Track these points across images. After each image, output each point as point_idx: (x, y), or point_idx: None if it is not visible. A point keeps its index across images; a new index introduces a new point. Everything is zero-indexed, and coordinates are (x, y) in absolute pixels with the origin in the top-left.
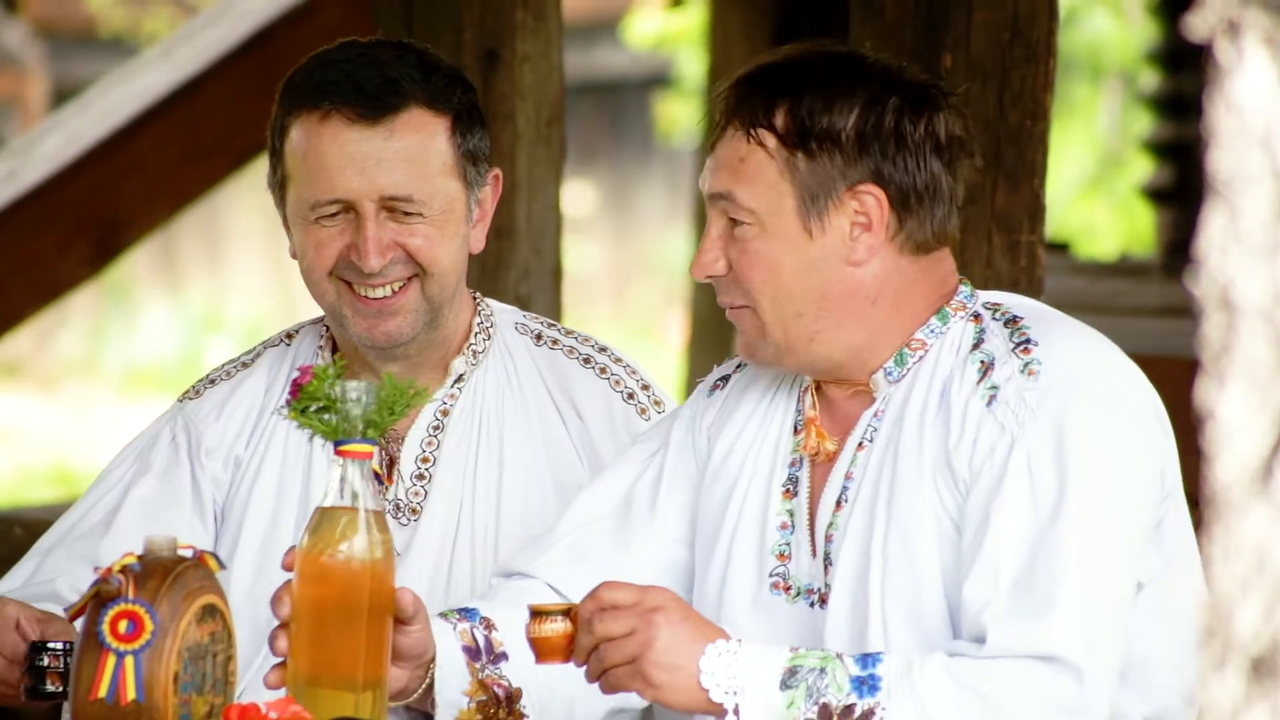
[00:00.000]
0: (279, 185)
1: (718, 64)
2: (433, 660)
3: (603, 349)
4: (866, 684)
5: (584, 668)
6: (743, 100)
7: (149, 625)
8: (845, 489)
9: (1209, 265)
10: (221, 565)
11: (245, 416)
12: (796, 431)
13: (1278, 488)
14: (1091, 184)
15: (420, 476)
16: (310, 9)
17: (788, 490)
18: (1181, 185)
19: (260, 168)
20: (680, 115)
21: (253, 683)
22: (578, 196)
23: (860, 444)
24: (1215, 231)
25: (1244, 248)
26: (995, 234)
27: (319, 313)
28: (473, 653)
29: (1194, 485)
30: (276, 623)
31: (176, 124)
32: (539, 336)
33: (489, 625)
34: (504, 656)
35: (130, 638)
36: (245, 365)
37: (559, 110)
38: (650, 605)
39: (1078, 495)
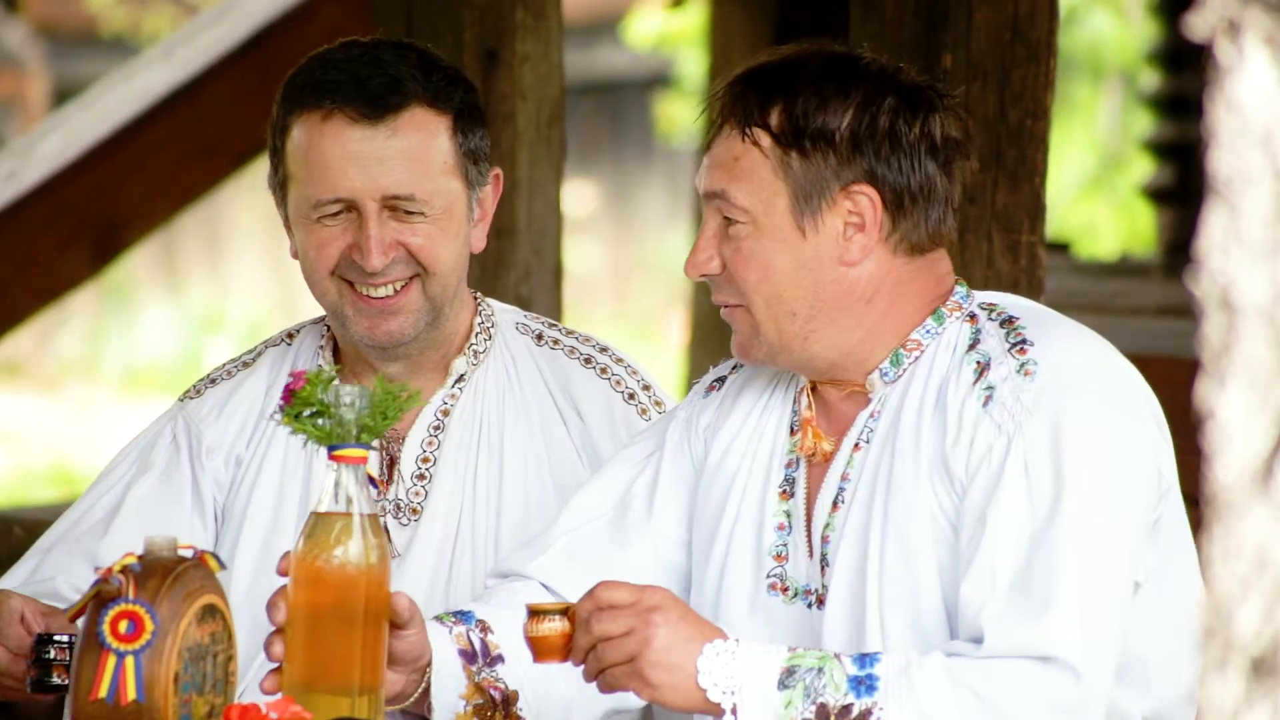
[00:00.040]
0: (280, 185)
1: (718, 64)
2: (429, 664)
3: (603, 349)
4: (864, 684)
5: (582, 667)
6: (738, 99)
7: (149, 625)
8: (842, 490)
9: (1209, 265)
10: (222, 565)
11: (246, 416)
12: (793, 432)
13: (1278, 488)
14: (1092, 184)
15: (421, 476)
16: (311, 9)
17: (784, 491)
18: (1182, 185)
19: (261, 168)
20: (681, 115)
21: (253, 683)
22: (578, 196)
23: (856, 445)
24: (1216, 231)
25: (1244, 248)
26: (995, 234)
27: (320, 312)
28: (469, 656)
29: (1194, 485)
30: (272, 627)
31: (177, 124)
32: (540, 336)
33: (485, 628)
34: (500, 659)
35: (130, 638)
36: (246, 365)
37: (559, 110)
38: (648, 605)
39: (1074, 495)
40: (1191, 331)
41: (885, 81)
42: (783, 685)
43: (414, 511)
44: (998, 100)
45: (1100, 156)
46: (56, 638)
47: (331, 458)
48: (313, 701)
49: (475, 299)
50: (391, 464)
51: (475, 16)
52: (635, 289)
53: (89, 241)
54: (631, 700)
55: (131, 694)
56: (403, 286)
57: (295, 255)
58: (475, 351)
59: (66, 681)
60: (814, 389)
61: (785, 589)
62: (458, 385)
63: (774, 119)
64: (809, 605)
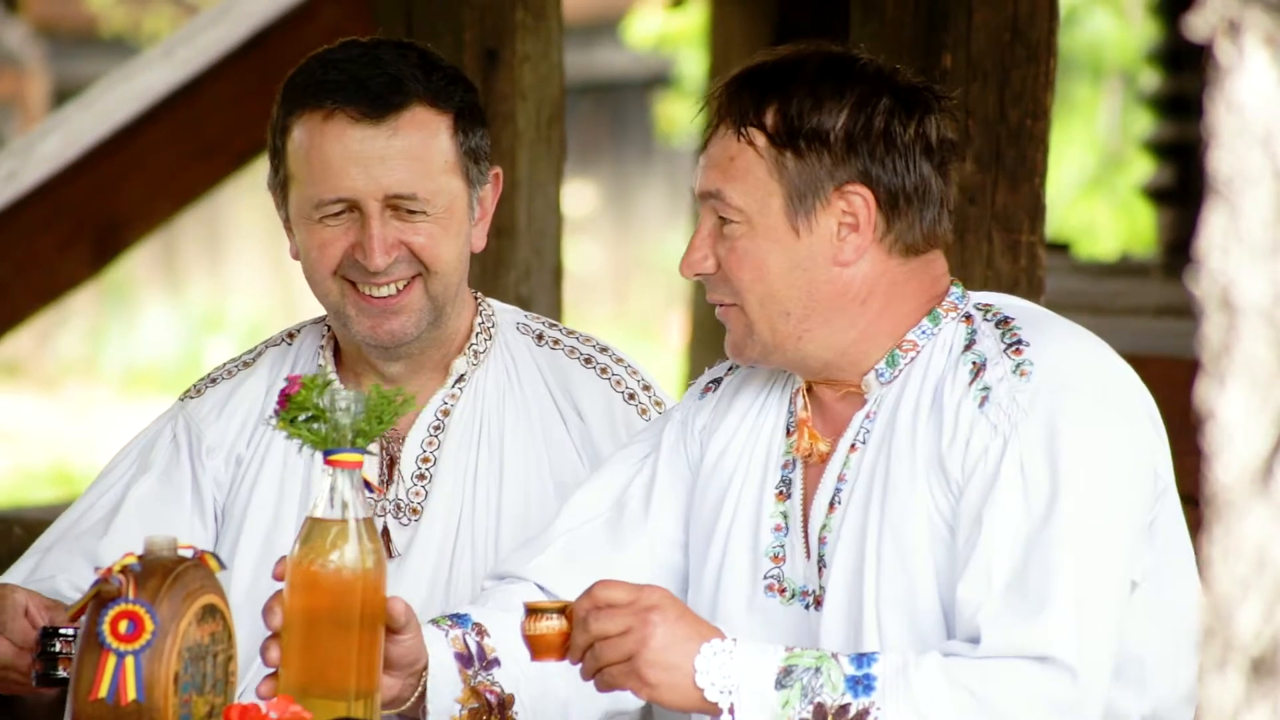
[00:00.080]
0: (281, 185)
1: (718, 64)
2: (425, 668)
3: (604, 349)
4: (861, 683)
5: (579, 666)
6: (734, 99)
7: (149, 625)
8: (838, 490)
9: (1209, 265)
10: (222, 565)
11: (246, 416)
12: (789, 433)
13: (1278, 488)
14: (1092, 184)
15: (421, 476)
16: (311, 9)
17: (781, 492)
18: (1182, 185)
19: (261, 168)
20: (681, 115)
21: (253, 682)
22: (578, 196)
23: (853, 445)
24: (1216, 231)
25: (1244, 248)
26: (995, 234)
27: (320, 312)
28: (465, 660)
29: (1194, 485)
30: (268, 632)
31: (177, 124)
32: (540, 336)
33: (481, 631)
34: (496, 663)
35: (131, 638)
36: (246, 364)
37: (559, 110)
38: (646, 604)
39: (1070, 495)
40: (1191, 331)
41: (881, 82)
42: (780, 685)
43: (414, 511)
44: (998, 100)
45: (1100, 156)
46: (62, 631)
47: (327, 462)
48: (309, 706)
49: (476, 299)
50: (392, 464)
51: (475, 16)
52: (635, 289)
53: (89, 241)
54: (629, 702)
55: (131, 694)
56: (405, 286)
57: (296, 256)
58: (475, 351)
59: None
60: (810, 390)
61: (783, 590)
62: (458, 385)
63: (769, 119)
64: (806, 606)
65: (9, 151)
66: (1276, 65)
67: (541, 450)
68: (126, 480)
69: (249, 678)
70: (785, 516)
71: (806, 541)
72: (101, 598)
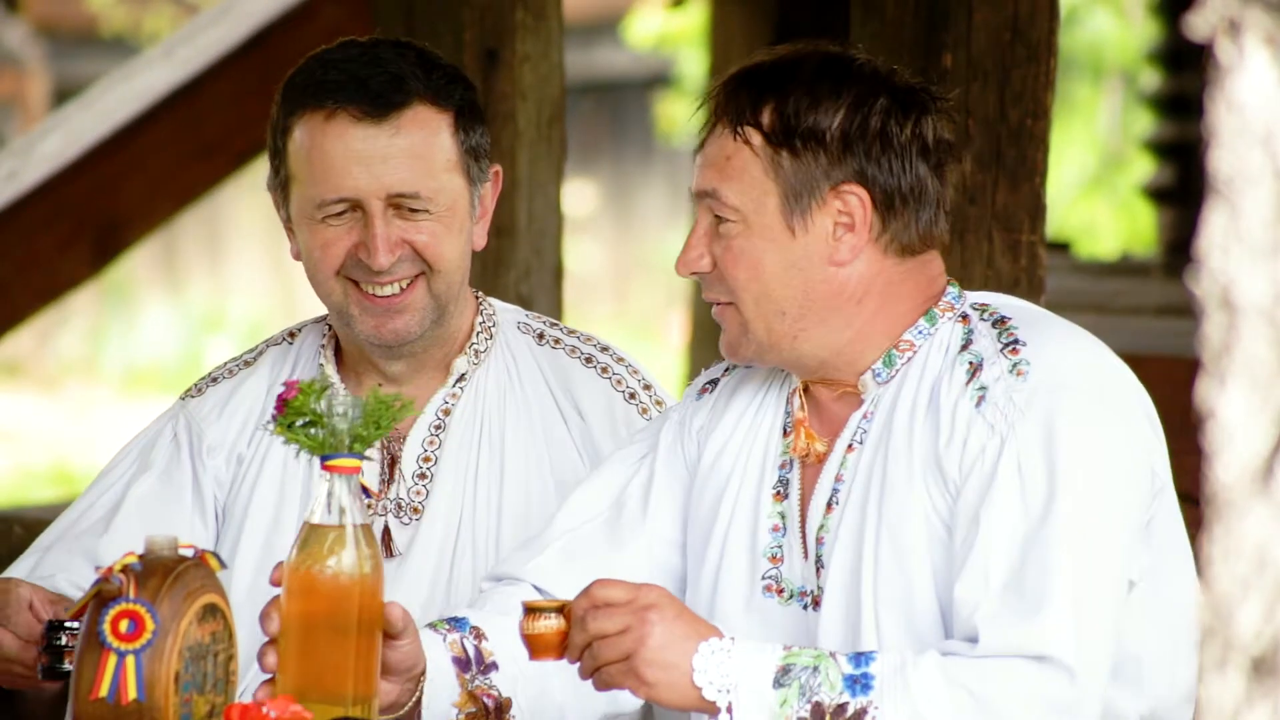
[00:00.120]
0: (282, 186)
1: (718, 64)
2: (423, 673)
3: (604, 348)
4: (859, 682)
5: (577, 665)
6: (731, 98)
7: (150, 625)
8: (836, 491)
9: (1210, 265)
10: (222, 564)
11: (247, 415)
12: (786, 434)
13: (1278, 487)
14: (1092, 183)
15: (422, 476)
16: (311, 9)
17: (778, 493)
18: (1182, 185)
19: (261, 168)
20: (681, 115)
21: (254, 682)
22: (578, 196)
23: (850, 446)
24: (1216, 231)
25: (1245, 247)
26: (996, 233)
27: (321, 311)
28: (463, 664)
29: (1195, 485)
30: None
31: (177, 124)
32: (541, 336)
33: (479, 635)
34: (494, 666)
35: (131, 637)
36: (247, 364)
37: (560, 110)
38: (644, 603)
39: (1068, 495)
40: (1192, 331)
41: (878, 82)
42: (778, 684)
43: (415, 511)
44: (998, 100)
45: (1101, 156)
46: (67, 625)
47: (325, 468)
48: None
49: (477, 298)
50: (393, 463)
51: (475, 16)
52: (635, 289)
53: (89, 241)
54: (627, 704)
55: (132, 693)
56: (408, 285)
57: (297, 257)
58: (476, 351)
59: None
60: (806, 390)
61: (781, 590)
62: (459, 385)
63: (765, 118)
64: (804, 607)
65: (9, 151)
66: (1277, 65)
67: (542, 449)
68: (127, 479)
69: (250, 677)
70: (783, 517)
71: (804, 542)
72: (102, 597)
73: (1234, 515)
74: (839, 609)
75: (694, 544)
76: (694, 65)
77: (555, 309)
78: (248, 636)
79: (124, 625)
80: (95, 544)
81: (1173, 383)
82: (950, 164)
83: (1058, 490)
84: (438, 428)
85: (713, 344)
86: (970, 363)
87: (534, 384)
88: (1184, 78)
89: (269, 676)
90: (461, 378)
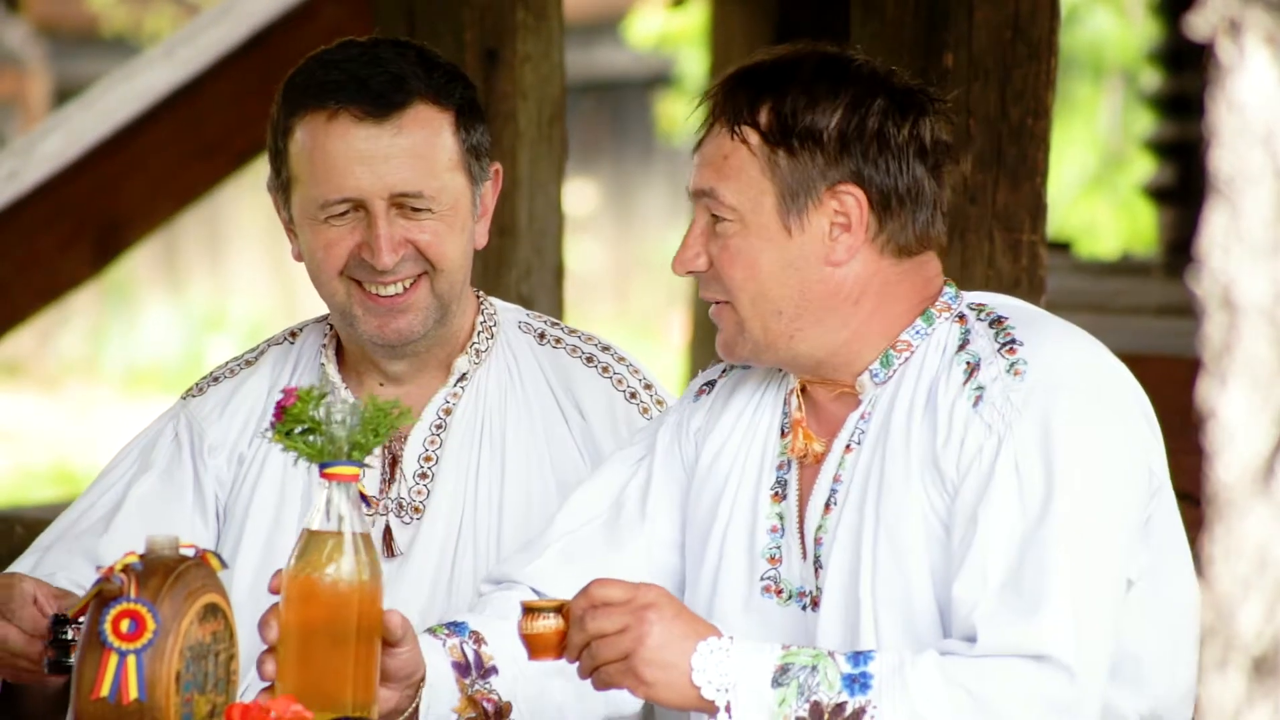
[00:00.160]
0: (283, 187)
1: (719, 63)
2: (423, 680)
3: (605, 348)
4: (858, 682)
5: (576, 664)
6: (729, 98)
7: (151, 624)
8: (834, 491)
9: (1211, 264)
10: (223, 564)
11: (249, 414)
12: (783, 434)
13: (1279, 487)
14: (1093, 183)
15: (423, 475)
16: (312, 9)
17: (776, 493)
18: (1183, 184)
19: (262, 167)
20: (682, 115)
21: (255, 681)
22: (579, 196)
23: (848, 446)
24: (1217, 231)
25: (1245, 247)
26: (997, 233)
27: (322, 311)
28: (462, 669)
29: (1195, 485)
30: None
31: (178, 123)
32: (542, 335)
33: (478, 639)
34: (494, 671)
35: (132, 637)
36: (249, 363)
37: (560, 109)
38: (642, 602)
39: (1065, 494)
40: (1193, 331)
41: (876, 83)
42: (776, 683)
43: (416, 510)
44: (999, 99)
45: (1101, 156)
46: (74, 619)
47: (323, 475)
48: None
49: (478, 297)
50: (394, 463)
51: (476, 16)
52: (636, 288)
53: (90, 241)
54: (626, 706)
55: (133, 693)
56: (411, 284)
57: (298, 258)
58: (477, 350)
59: None
60: (804, 391)
61: (779, 591)
62: (460, 384)
63: (763, 117)
64: (804, 607)
65: (10, 151)
66: (1277, 64)
67: (543, 449)
68: (128, 479)
69: (251, 676)
70: (781, 518)
71: (803, 542)
72: (103, 597)
73: (1235, 515)
74: (838, 609)
75: (692, 545)
76: (695, 65)
77: (556, 308)
78: (249, 636)
79: (125, 625)
80: (96, 543)
81: (1173, 382)
82: (947, 165)
83: (1055, 489)
84: (439, 427)
85: (713, 344)
86: (967, 363)
87: (535, 383)
88: (1185, 77)
89: (268, 684)
90: (463, 377)
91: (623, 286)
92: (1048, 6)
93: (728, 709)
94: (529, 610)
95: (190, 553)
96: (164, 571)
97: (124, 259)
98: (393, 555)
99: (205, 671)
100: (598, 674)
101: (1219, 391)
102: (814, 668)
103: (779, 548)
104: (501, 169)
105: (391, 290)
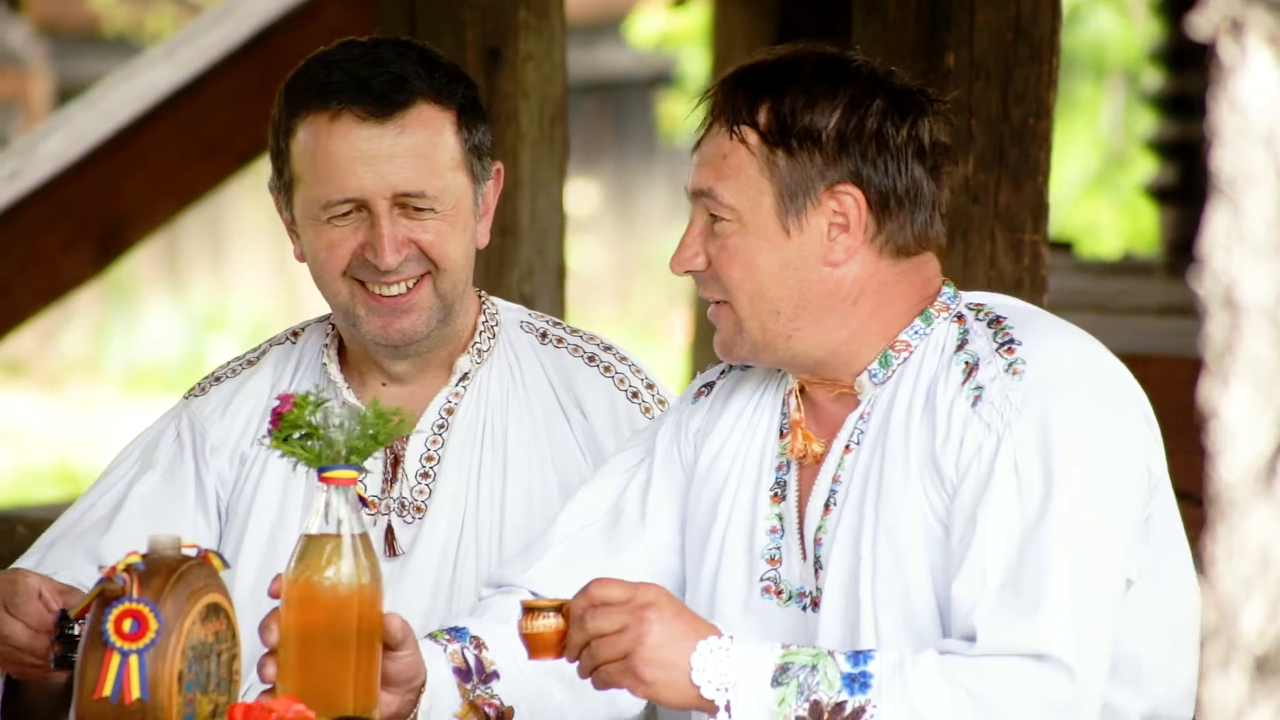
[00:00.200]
0: (285, 187)
1: (720, 63)
2: (423, 685)
3: (607, 347)
4: (858, 681)
5: (576, 664)
6: (728, 98)
7: (153, 624)
8: (834, 492)
9: (1213, 264)
10: (225, 564)
11: (251, 414)
12: (782, 435)
13: None
14: (1095, 183)
15: (425, 475)
16: (313, 9)
17: (775, 494)
18: (1185, 184)
19: (263, 167)
20: (683, 114)
21: (257, 681)
22: (581, 195)
23: (847, 446)
24: (1219, 231)
25: (1248, 247)
26: (999, 233)
27: (323, 310)
28: (463, 674)
29: (1198, 485)
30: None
31: (180, 123)
32: (544, 335)
33: (479, 644)
34: (495, 675)
35: (135, 637)
36: (251, 363)
37: (562, 109)
38: (642, 602)
39: (1064, 493)
40: (1194, 331)
41: (875, 84)
42: (776, 682)
43: (418, 509)
44: (1000, 99)
45: (1103, 156)
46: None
47: (321, 479)
48: None
49: (480, 297)
50: (396, 462)
51: (477, 16)
52: (638, 288)
53: (92, 240)
54: (627, 708)
55: (136, 693)
56: (414, 284)
57: (300, 258)
58: (479, 350)
59: None
60: (803, 391)
61: (779, 592)
62: (462, 384)
63: (762, 117)
64: (804, 608)
65: (12, 150)
66: (1279, 64)
67: (545, 448)
68: (130, 478)
69: (253, 676)
70: (780, 519)
71: (803, 543)
72: (105, 596)
73: (1237, 515)
74: (838, 610)
75: (692, 547)
76: (696, 65)
77: (558, 308)
78: (251, 636)
79: (127, 625)
80: (98, 542)
81: (1175, 382)
82: (946, 166)
83: (1054, 489)
84: (441, 427)
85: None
86: (966, 362)
87: (537, 383)
88: (1186, 77)
89: (269, 688)
90: (464, 377)
91: (624, 286)
92: (1049, 7)
93: (727, 708)
94: (529, 610)
95: (192, 552)
96: (166, 571)
97: (126, 259)
98: (395, 555)
99: (207, 671)
100: (597, 673)
101: (1221, 391)
102: (814, 667)
103: (778, 548)
104: (503, 169)
105: (394, 290)
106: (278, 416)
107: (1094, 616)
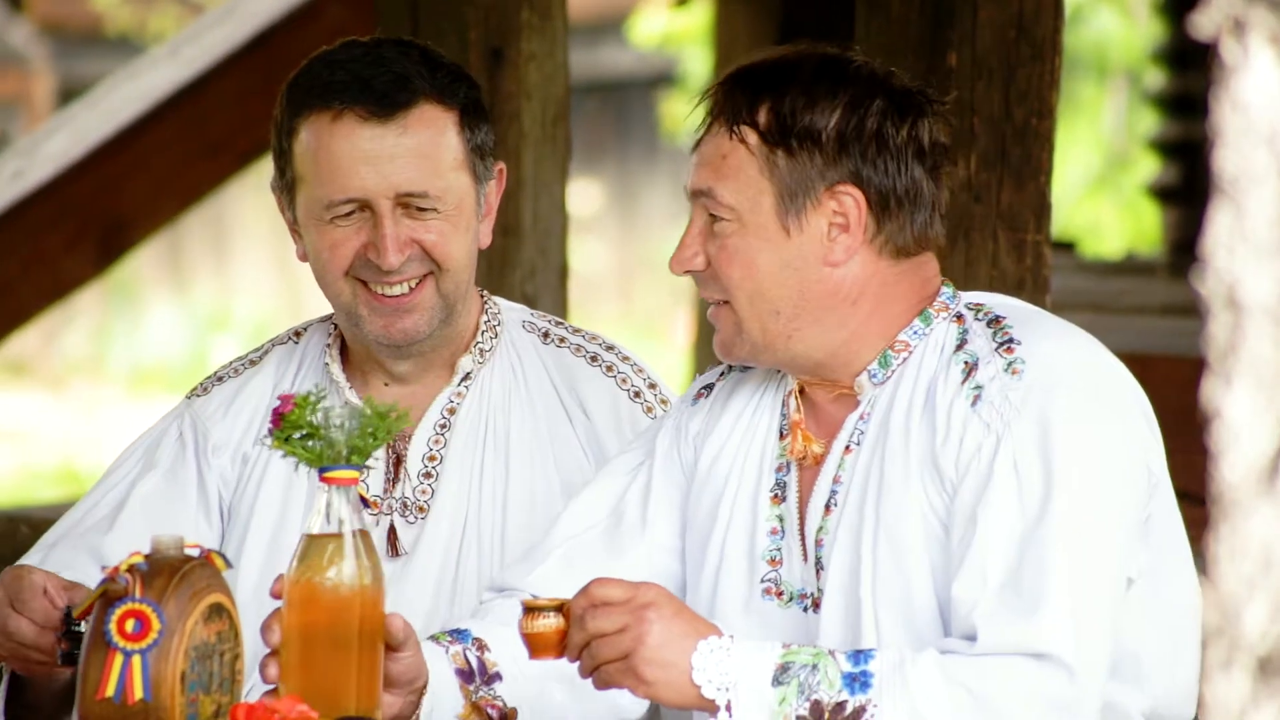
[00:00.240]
0: (288, 187)
1: (722, 63)
2: (425, 686)
3: (609, 347)
4: (858, 680)
5: (577, 664)
6: (728, 98)
7: (156, 624)
8: (834, 493)
9: (1215, 264)
10: (228, 564)
11: (253, 414)
12: (782, 436)
13: None
14: (1097, 183)
15: (427, 475)
16: (315, 9)
17: (776, 495)
18: (1188, 184)
19: (266, 167)
20: (686, 114)
21: (260, 681)
22: (583, 195)
23: (847, 447)
24: (1221, 230)
25: (1250, 246)
26: (1001, 233)
27: (327, 310)
28: (466, 675)
29: (1200, 485)
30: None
31: (182, 123)
32: (546, 334)
33: (481, 646)
34: (498, 677)
35: (137, 637)
36: (253, 363)
37: (564, 109)
38: (642, 601)
39: (1064, 492)
40: (1197, 330)
41: (875, 84)
42: (777, 682)
43: (420, 510)
44: (1003, 99)
45: (1106, 155)
46: None
47: (322, 480)
48: None
49: (482, 297)
50: (398, 462)
51: (480, 16)
52: (640, 288)
53: (94, 240)
54: (629, 711)
55: (138, 693)
56: (417, 284)
57: (303, 258)
58: (481, 350)
59: None
60: (803, 392)
61: (780, 593)
62: (464, 384)
63: (762, 117)
64: (805, 609)
65: (15, 150)
66: None
67: (547, 448)
68: (132, 478)
69: (256, 676)
70: (781, 520)
71: (804, 544)
72: (108, 597)
73: (1240, 515)
74: (838, 610)
75: (692, 549)
76: (698, 64)
77: (560, 308)
78: (253, 636)
79: (130, 625)
80: (100, 542)
81: (1178, 382)
82: (946, 166)
83: (1054, 488)
84: (443, 427)
85: None
86: (965, 362)
87: (539, 382)
88: (1189, 77)
89: (271, 688)
90: (467, 376)
91: (627, 286)
92: (1052, 6)
93: (728, 708)
94: (529, 609)
95: (195, 553)
96: (169, 571)
97: (128, 258)
98: (397, 555)
99: (210, 671)
100: (598, 673)
101: (1224, 391)
102: (814, 666)
103: (779, 550)
104: (505, 169)
105: (397, 290)
106: (279, 416)
107: (1094, 616)
